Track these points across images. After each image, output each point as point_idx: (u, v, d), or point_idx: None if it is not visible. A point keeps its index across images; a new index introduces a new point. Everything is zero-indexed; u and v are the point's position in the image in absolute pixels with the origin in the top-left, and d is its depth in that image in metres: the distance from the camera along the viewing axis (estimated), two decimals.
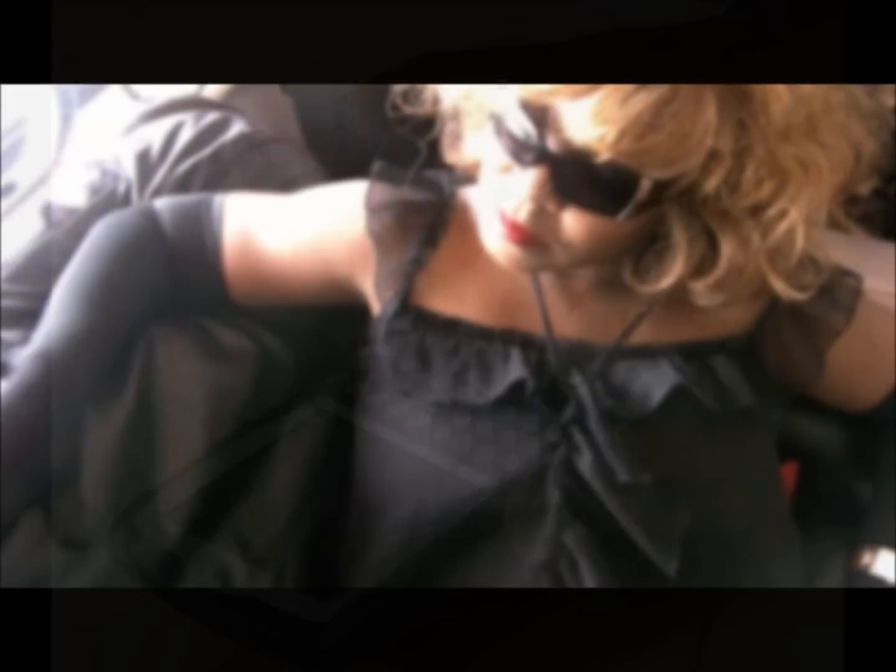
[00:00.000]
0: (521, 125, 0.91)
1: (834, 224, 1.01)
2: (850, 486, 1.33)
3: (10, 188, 1.77)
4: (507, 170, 0.95)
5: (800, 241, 0.96)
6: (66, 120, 1.82)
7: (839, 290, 1.13)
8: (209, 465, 1.17)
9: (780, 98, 0.88)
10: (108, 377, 1.14)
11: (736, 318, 1.11)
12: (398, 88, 1.08)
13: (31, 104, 1.80)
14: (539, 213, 0.94)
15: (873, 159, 0.98)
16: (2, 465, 0.97)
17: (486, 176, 1.00)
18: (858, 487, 1.32)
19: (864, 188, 1.00)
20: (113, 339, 1.13)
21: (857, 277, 1.16)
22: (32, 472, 1.01)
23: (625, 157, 0.86)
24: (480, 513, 1.06)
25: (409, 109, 1.08)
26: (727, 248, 0.97)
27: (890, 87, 0.99)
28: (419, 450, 1.10)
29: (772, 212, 0.94)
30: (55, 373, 1.04)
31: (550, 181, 0.91)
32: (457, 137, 1.11)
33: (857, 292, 1.14)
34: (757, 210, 0.94)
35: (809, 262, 1.02)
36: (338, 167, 1.58)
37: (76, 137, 1.82)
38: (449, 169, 1.17)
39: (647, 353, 1.09)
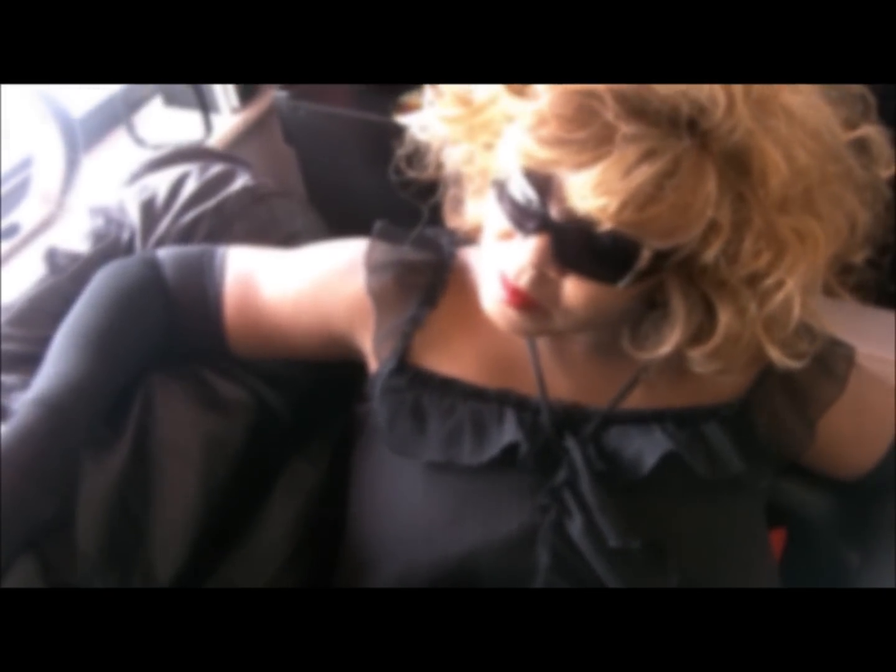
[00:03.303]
0: (523, 192, 0.92)
1: (829, 292, 1.02)
2: (838, 553, 1.34)
3: (14, 230, 1.78)
4: (508, 236, 0.96)
5: (796, 311, 0.96)
6: (72, 164, 1.83)
7: (832, 360, 1.15)
8: (202, 513, 1.18)
9: (778, 171, 0.89)
10: (106, 424, 1.15)
11: (728, 386, 1.12)
12: (402, 152, 1.09)
13: (38, 145, 1.82)
14: (540, 280, 0.94)
15: (867, 230, 0.99)
16: None
17: (488, 240, 1.00)
18: (846, 554, 1.32)
19: (859, 258, 1.01)
20: (112, 387, 1.14)
21: (850, 348, 1.17)
22: (27, 516, 1.01)
23: (626, 227, 0.87)
24: (470, 573, 1.07)
25: (412, 173, 1.09)
26: (724, 317, 0.98)
27: (883, 157, 0.99)
28: (412, 507, 1.11)
29: (769, 281, 0.94)
30: (54, 419, 1.04)
31: (552, 249, 0.92)
32: (459, 202, 1.13)
33: (850, 362, 1.16)
34: (754, 280, 0.95)
35: (804, 330, 1.03)
36: (337, 218, 1.59)
37: (81, 181, 1.83)
38: (449, 230, 1.18)
39: (639, 419, 1.10)
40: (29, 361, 1.19)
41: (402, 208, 1.14)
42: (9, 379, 1.20)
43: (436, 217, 1.17)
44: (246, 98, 2.15)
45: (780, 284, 0.94)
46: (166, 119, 2.16)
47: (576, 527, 1.04)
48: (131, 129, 2.00)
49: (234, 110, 2.14)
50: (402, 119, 1.08)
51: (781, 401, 1.14)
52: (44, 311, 1.28)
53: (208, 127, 2.02)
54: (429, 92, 1.05)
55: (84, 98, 2.01)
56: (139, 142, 2.01)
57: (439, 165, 1.09)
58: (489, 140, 1.01)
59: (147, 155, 1.80)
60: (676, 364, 1.04)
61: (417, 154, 1.09)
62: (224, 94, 2.10)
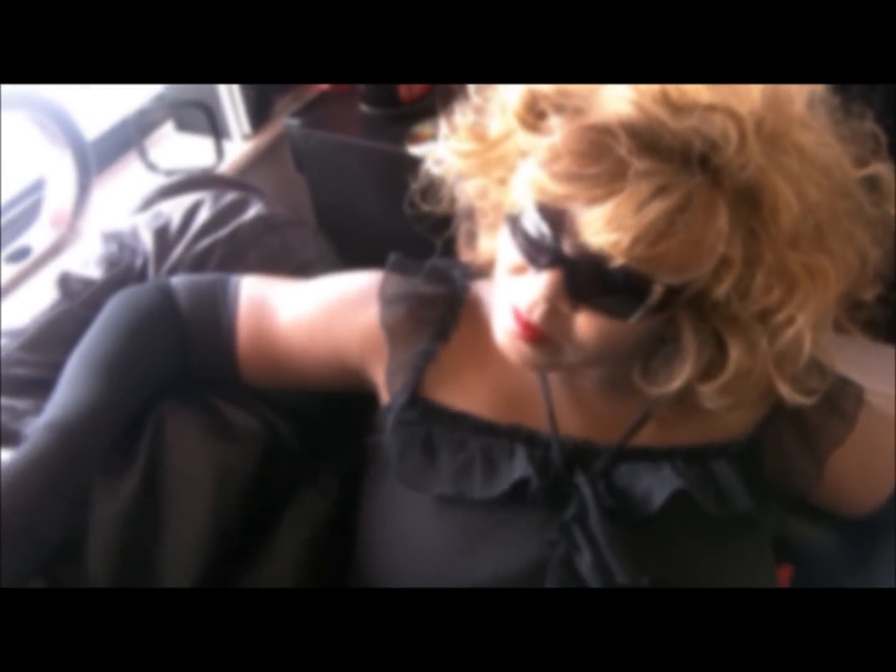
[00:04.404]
0: (536, 226, 0.93)
1: (839, 329, 1.03)
2: None
3: (25, 253, 1.79)
4: (521, 270, 0.97)
5: (807, 347, 0.96)
6: (84, 187, 1.84)
7: (841, 398, 1.15)
8: (211, 542, 1.18)
9: (789, 207, 0.89)
10: (117, 451, 1.15)
11: (738, 422, 1.13)
12: (417, 186, 1.10)
13: (50, 168, 1.83)
14: (552, 314, 0.95)
15: (877, 266, 1.00)
16: (9, 532, 0.97)
17: (501, 274, 1.01)
18: None
19: (869, 294, 1.01)
20: (124, 413, 1.15)
21: (859, 387, 1.17)
22: (38, 541, 1.01)
23: (638, 262, 0.87)
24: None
25: (426, 207, 1.10)
26: (735, 353, 0.98)
27: (893, 194, 1.00)
28: (421, 540, 1.11)
29: (780, 317, 0.94)
30: (66, 445, 1.04)
31: (564, 283, 0.92)
32: (472, 236, 1.13)
33: (859, 401, 1.16)
34: (765, 315, 0.95)
35: (815, 366, 1.03)
36: (346, 245, 1.60)
37: (92, 205, 1.84)
38: (461, 262, 1.18)
39: (649, 455, 1.11)
40: (41, 386, 1.19)
41: (411, 237, 1.15)
42: (21, 404, 1.20)
43: (447, 249, 1.17)
44: (257, 124, 2.16)
45: (790, 320, 0.95)
46: (178, 144, 2.18)
47: (585, 562, 1.04)
48: (143, 154, 2.02)
49: (246, 137, 2.15)
50: (414, 149, 1.08)
51: (790, 438, 1.14)
52: (57, 336, 1.29)
53: (220, 153, 2.04)
54: (443, 126, 1.06)
55: (96, 122, 2.02)
56: (151, 167, 2.02)
57: (453, 200, 1.10)
58: (503, 175, 1.01)
59: (158, 180, 1.82)
60: (686, 400, 1.04)
61: (432, 188, 1.09)
62: (236, 120, 2.12)
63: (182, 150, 2.14)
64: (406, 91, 2.02)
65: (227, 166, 2.06)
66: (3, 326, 1.30)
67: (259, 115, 2.16)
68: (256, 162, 2.17)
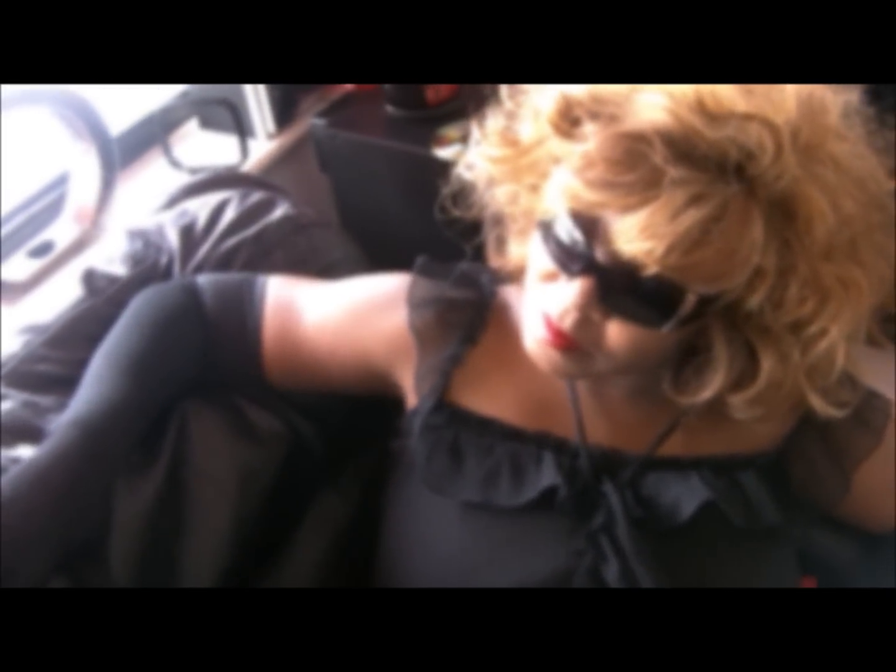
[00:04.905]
0: (569, 233, 0.92)
1: (871, 341, 1.02)
2: None
3: (48, 248, 1.79)
4: (552, 277, 0.96)
5: (840, 359, 0.96)
6: (108, 182, 1.84)
7: (869, 412, 1.14)
8: (233, 544, 1.17)
9: (824, 218, 0.89)
10: (140, 450, 1.15)
11: (766, 434, 1.12)
12: (447, 191, 1.09)
13: (75, 162, 1.82)
14: (583, 322, 0.94)
15: None
16: (32, 530, 0.97)
17: (531, 281, 1.00)
18: None
19: None
20: (148, 412, 1.14)
21: (887, 401, 1.16)
22: (61, 539, 1.01)
23: (672, 271, 0.87)
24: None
25: (456, 212, 1.10)
26: (767, 364, 0.97)
27: None
28: (446, 547, 1.10)
29: (813, 329, 0.94)
30: (90, 441, 1.04)
31: (596, 291, 0.92)
32: (502, 242, 1.13)
33: (887, 415, 1.15)
34: (798, 327, 0.95)
35: (846, 378, 1.02)
36: (369, 246, 1.60)
37: (116, 201, 1.84)
38: (488, 267, 1.18)
39: (677, 465, 1.10)
40: (65, 383, 1.19)
41: (434, 239, 1.15)
42: (44, 400, 1.20)
43: (475, 254, 1.17)
44: (282, 124, 2.16)
45: (823, 332, 0.94)
46: (201, 142, 2.17)
47: (611, 572, 1.04)
48: (167, 151, 2.01)
49: (270, 136, 2.15)
50: (439, 152, 1.08)
51: (817, 451, 1.13)
52: (80, 333, 1.28)
53: (244, 151, 2.03)
54: (474, 130, 1.05)
55: (120, 117, 2.02)
56: (174, 164, 2.02)
57: (483, 205, 1.10)
58: (535, 181, 1.01)
59: (182, 177, 1.81)
60: (715, 410, 1.04)
61: (462, 193, 1.09)
62: (260, 118, 2.12)
63: (206, 147, 2.14)
64: (433, 93, 2.01)
65: (250, 165, 2.06)
66: (27, 322, 1.30)
67: (284, 114, 2.16)
68: (280, 161, 2.16)
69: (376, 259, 1.54)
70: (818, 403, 1.00)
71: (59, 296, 1.36)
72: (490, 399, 1.14)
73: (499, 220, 1.12)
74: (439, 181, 1.11)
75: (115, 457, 1.08)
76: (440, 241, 1.15)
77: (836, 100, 0.93)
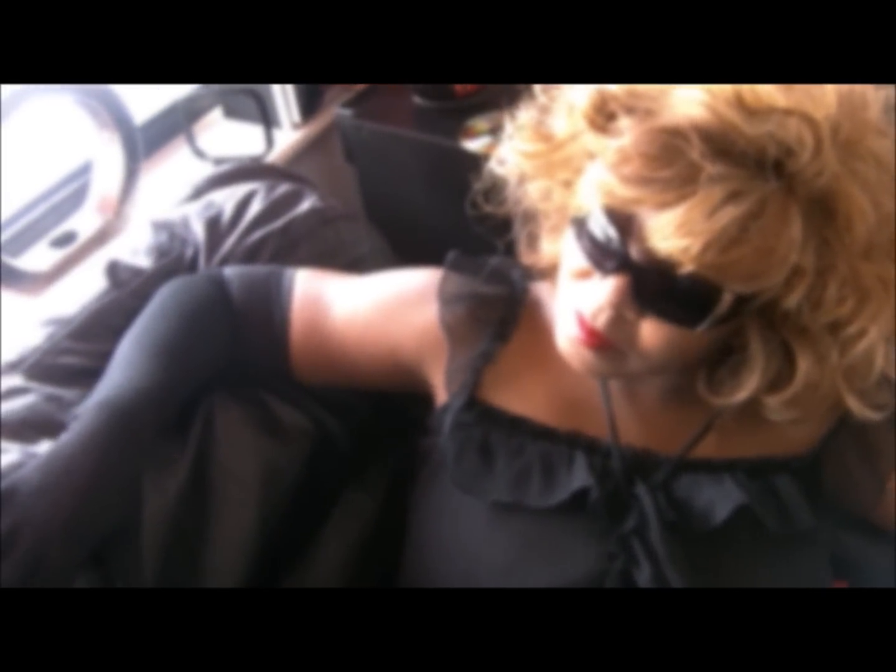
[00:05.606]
0: (603, 230, 0.91)
1: None
2: None
3: (71, 238, 1.78)
4: (586, 274, 0.95)
5: (878, 360, 0.94)
6: (131, 172, 1.83)
7: None
8: (258, 541, 1.16)
9: (864, 217, 0.87)
10: (166, 443, 1.14)
11: (801, 436, 1.10)
12: (480, 186, 1.08)
13: (98, 152, 1.82)
14: (617, 321, 0.92)
15: None
16: (60, 520, 0.93)
17: (564, 278, 0.99)
18: None
19: None
20: (176, 399, 1.12)
21: None
22: (89, 529, 0.96)
23: (708, 269, 0.85)
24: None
25: (488, 208, 1.08)
26: (804, 364, 0.95)
27: None
28: (474, 548, 1.09)
29: (851, 330, 0.92)
30: (121, 423, 1.01)
31: (631, 289, 0.90)
32: (534, 238, 1.11)
33: None
34: (836, 327, 0.93)
35: (884, 380, 1.00)
36: (394, 238, 1.59)
37: (139, 192, 1.83)
38: (519, 263, 1.16)
39: (710, 467, 1.08)
40: (89, 375, 1.18)
41: (461, 232, 1.13)
42: (68, 393, 1.19)
43: (506, 250, 1.16)
44: (307, 114, 2.14)
45: (862, 333, 0.92)
46: (226, 131, 2.16)
47: (643, 576, 1.02)
48: (191, 140, 2.00)
49: (296, 126, 2.14)
50: (467, 144, 1.06)
51: (852, 455, 1.11)
52: (105, 325, 1.27)
53: (269, 141, 2.02)
54: (507, 125, 1.04)
55: (144, 106, 2.01)
56: (198, 153, 2.01)
57: (516, 201, 1.08)
58: (568, 177, 0.99)
59: (206, 167, 1.80)
60: (750, 411, 1.02)
61: (494, 188, 1.07)
62: (286, 108, 2.10)
63: (230, 137, 2.13)
64: (461, 85, 2.00)
65: (275, 155, 2.05)
66: (50, 314, 1.29)
67: (309, 104, 2.15)
68: (305, 151, 2.15)
69: (400, 251, 1.52)
70: (856, 405, 0.98)
71: (82, 287, 1.34)
72: (521, 397, 1.12)
73: (531, 217, 1.10)
74: (466, 173, 1.09)
75: (145, 441, 1.04)
76: (467, 234, 1.14)
77: (876, 95, 0.91)
